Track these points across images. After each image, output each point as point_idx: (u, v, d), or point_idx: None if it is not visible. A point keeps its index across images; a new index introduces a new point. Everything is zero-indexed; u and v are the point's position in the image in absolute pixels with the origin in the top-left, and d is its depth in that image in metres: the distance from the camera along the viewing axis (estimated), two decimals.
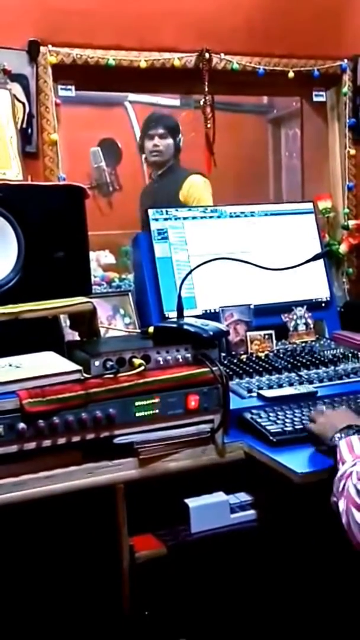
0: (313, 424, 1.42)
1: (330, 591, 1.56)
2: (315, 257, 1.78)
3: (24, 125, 1.99)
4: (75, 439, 1.31)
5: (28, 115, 2.00)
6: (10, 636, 1.38)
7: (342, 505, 1.14)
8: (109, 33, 2.12)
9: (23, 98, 1.99)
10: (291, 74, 2.36)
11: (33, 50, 2.00)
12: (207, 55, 2.22)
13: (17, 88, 1.96)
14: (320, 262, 2.19)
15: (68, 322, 1.65)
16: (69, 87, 2.10)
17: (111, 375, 1.34)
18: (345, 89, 2.48)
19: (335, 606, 1.56)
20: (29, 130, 2.01)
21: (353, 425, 1.33)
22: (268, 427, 1.47)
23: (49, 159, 2.05)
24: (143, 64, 2.15)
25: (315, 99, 2.54)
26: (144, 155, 3.21)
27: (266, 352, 1.94)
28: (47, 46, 2.02)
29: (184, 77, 2.27)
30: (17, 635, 1.38)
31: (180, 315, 1.60)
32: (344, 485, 1.15)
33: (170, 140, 3.07)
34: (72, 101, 2.39)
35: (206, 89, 2.25)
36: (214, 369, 1.42)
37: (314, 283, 2.19)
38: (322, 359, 1.89)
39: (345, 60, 2.46)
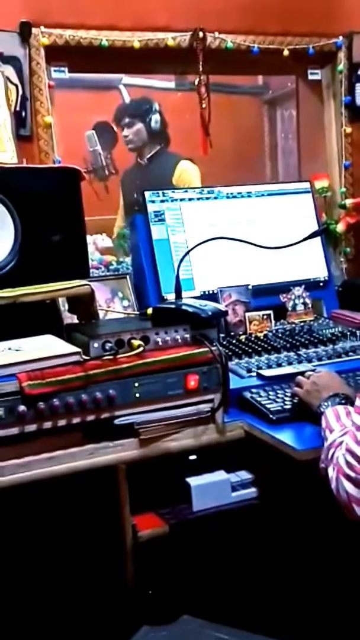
0: (300, 389, 1.46)
1: (330, 566, 1.58)
2: (313, 234, 1.78)
3: (18, 108, 1.98)
4: (76, 420, 1.31)
5: (21, 97, 1.99)
6: (14, 614, 1.39)
7: (331, 472, 1.17)
8: (101, 13, 2.10)
9: (16, 80, 1.97)
10: (286, 52, 2.34)
11: (25, 32, 1.98)
12: (201, 34, 2.20)
13: (9, 70, 1.95)
14: (318, 241, 2.18)
15: (66, 306, 1.65)
16: (62, 68, 2.08)
17: (110, 357, 1.34)
18: (340, 67, 2.46)
19: (336, 581, 1.58)
20: (23, 113, 1.99)
21: (339, 394, 1.36)
22: (268, 406, 1.48)
23: (44, 142, 2.04)
24: (137, 44, 2.13)
25: (310, 77, 2.52)
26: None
27: (265, 332, 1.95)
28: (39, 27, 2.01)
29: (178, 56, 2.25)
30: (21, 612, 1.40)
31: (179, 296, 1.60)
32: (333, 453, 1.19)
33: (139, 125, 3.05)
34: (67, 85, 2.37)
35: (200, 69, 2.24)
36: (212, 348, 1.42)
37: (312, 263, 2.19)
38: (321, 338, 1.90)
39: (341, 38, 2.44)
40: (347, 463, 1.13)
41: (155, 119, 3.03)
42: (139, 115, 3.06)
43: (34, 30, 2.00)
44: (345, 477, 1.13)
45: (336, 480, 1.15)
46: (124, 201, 2.95)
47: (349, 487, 1.12)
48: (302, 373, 1.55)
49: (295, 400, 1.48)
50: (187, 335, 1.44)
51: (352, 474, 1.12)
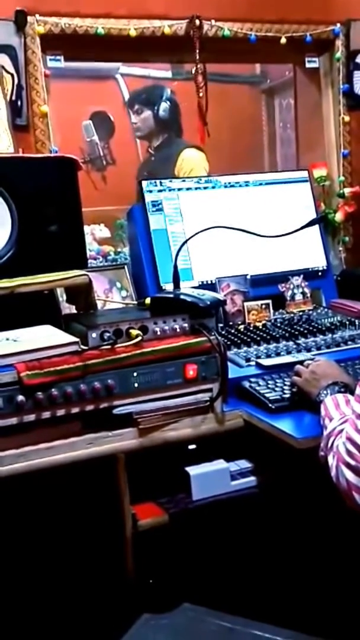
0: (299, 378, 1.46)
1: (330, 554, 1.59)
2: (311, 223, 1.77)
3: (14, 98, 1.96)
4: (75, 410, 1.31)
5: (17, 87, 1.97)
6: (15, 604, 1.40)
7: (331, 460, 1.17)
8: (97, 1, 2.08)
9: (11, 69, 1.96)
10: (283, 40, 2.32)
11: (20, 20, 1.96)
12: (197, 22, 2.18)
13: (4, 59, 1.94)
14: (316, 230, 2.18)
15: (65, 296, 1.65)
16: (57, 57, 2.07)
17: (108, 347, 1.34)
18: (338, 54, 2.45)
19: (335, 568, 1.59)
20: (19, 103, 1.98)
21: (338, 382, 1.35)
22: (267, 395, 1.48)
23: (40, 132, 2.03)
24: (133, 33, 2.11)
25: (308, 65, 2.51)
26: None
27: (263, 322, 1.94)
28: (35, 16, 1.99)
29: (175, 45, 2.24)
30: (22, 602, 1.40)
31: (177, 286, 1.60)
32: (333, 442, 1.18)
33: (147, 113, 3.02)
34: (63, 74, 2.36)
35: (197, 57, 2.22)
36: (211, 337, 1.42)
37: (311, 252, 2.19)
38: (320, 327, 1.89)
39: (338, 25, 2.43)
40: (347, 451, 1.12)
41: (163, 107, 2.99)
42: (148, 102, 3.02)
43: (29, 18, 1.98)
44: (346, 465, 1.12)
45: (336, 468, 1.15)
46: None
47: (349, 475, 1.12)
48: (301, 362, 1.55)
49: (294, 389, 1.48)
50: (186, 325, 1.44)
51: (352, 462, 1.11)
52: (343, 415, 1.24)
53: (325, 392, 1.34)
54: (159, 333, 1.41)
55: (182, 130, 3.09)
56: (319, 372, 1.42)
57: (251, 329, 1.89)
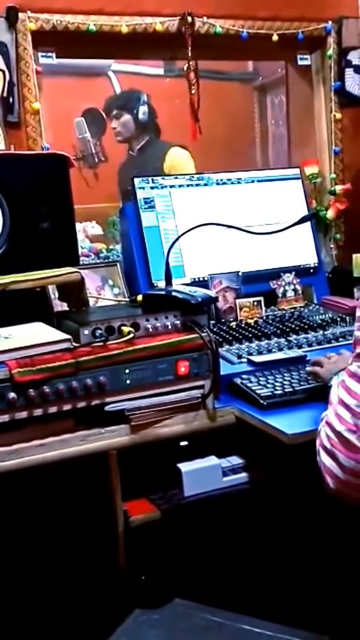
0: (320, 367, 1.47)
1: (321, 549, 1.60)
2: (303, 220, 1.77)
3: (5, 94, 1.96)
4: (67, 407, 1.31)
5: (9, 83, 1.97)
6: (7, 599, 1.40)
7: (316, 447, 1.14)
8: None
9: (3, 66, 1.95)
10: (275, 37, 2.33)
11: (11, 17, 1.96)
12: (189, 19, 2.18)
13: None
14: (308, 228, 2.19)
15: (57, 294, 1.65)
16: (49, 54, 2.07)
17: (100, 344, 1.34)
18: (330, 52, 2.45)
19: (327, 563, 1.60)
20: (11, 100, 1.98)
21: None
22: (258, 391, 1.48)
23: (32, 129, 2.03)
24: (125, 29, 2.11)
25: (300, 62, 2.52)
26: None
27: (255, 319, 1.95)
28: (26, 12, 1.99)
29: (167, 42, 2.24)
30: (14, 600, 1.40)
31: (169, 283, 1.60)
32: (319, 429, 1.17)
33: (126, 117, 3.08)
34: (55, 71, 2.35)
35: (189, 54, 2.22)
36: (203, 334, 1.42)
37: (302, 249, 2.20)
38: (311, 323, 1.90)
39: (330, 22, 2.43)
40: (325, 434, 1.10)
41: (142, 110, 3.06)
42: (126, 107, 3.07)
43: (20, 15, 1.98)
44: (323, 448, 1.10)
45: (317, 453, 1.14)
46: (121, 193, 2.96)
47: (325, 458, 1.09)
48: (292, 359, 1.55)
49: (318, 381, 1.47)
50: (178, 322, 1.44)
51: (328, 446, 1.08)
52: (330, 403, 1.23)
53: (332, 378, 1.33)
54: (150, 330, 1.42)
55: (160, 131, 3.13)
56: (339, 361, 1.42)
57: (243, 325, 1.90)
